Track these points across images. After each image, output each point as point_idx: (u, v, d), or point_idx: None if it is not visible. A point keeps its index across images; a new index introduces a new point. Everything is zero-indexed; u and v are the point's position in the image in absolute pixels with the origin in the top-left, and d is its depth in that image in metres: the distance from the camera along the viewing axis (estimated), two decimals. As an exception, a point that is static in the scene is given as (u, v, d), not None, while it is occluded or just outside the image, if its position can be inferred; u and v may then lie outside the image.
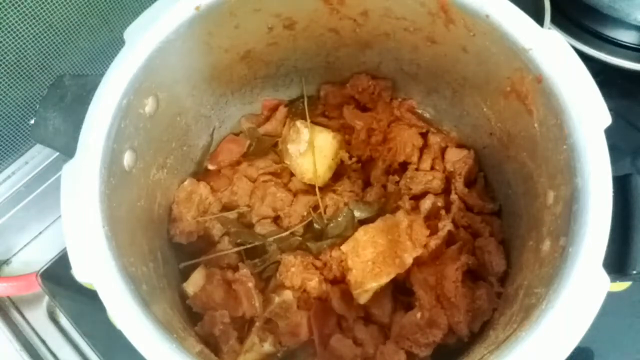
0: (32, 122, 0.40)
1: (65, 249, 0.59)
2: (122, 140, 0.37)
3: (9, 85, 0.52)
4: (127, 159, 0.38)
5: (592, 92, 0.34)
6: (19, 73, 0.52)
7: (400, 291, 0.46)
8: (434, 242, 0.45)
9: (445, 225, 0.45)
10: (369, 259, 0.44)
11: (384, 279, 0.44)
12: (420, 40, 0.43)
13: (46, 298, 0.58)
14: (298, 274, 0.45)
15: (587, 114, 0.34)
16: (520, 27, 0.36)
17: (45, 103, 0.40)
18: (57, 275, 0.57)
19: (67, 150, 0.36)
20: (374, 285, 0.44)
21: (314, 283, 0.45)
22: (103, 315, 0.56)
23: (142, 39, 0.37)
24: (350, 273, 0.44)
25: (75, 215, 0.33)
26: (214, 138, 0.52)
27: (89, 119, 0.35)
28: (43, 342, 0.57)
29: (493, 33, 0.37)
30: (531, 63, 0.36)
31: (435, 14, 0.39)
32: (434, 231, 0.45)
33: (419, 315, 0.42)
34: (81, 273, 0.32)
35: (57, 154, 0.60)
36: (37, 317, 0.58)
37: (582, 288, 0.31)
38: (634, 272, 0.33)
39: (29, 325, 0.57)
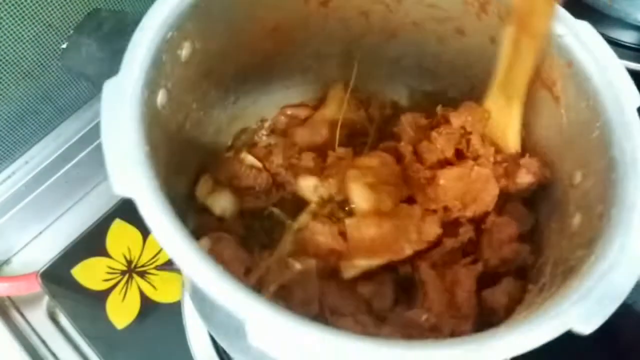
0: (64, 46, 0.39)
1: (65, 248, 0.59)
2: (161, 73, 0.36)
3: (8, 85, 0.52)
4: (161, 96, 0.37)
5: (622, 74, 0.36)
6: (18, 73, 0.52)
7: (402, 287, 0.44)
8: (450, 243, 0.43)
9: (467, 232, 0.44)
10: (369, 237, 0.43)
11: (376, 261, 0.42)
12: (448, 31, 0.43)
13: (46, 298, 0.58)
14: (326, 243, 0.43)
15: (618, 94, 0.35)
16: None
17: (80, 29, 0.39)
18: (57, 275, 0.57)
19: (98, 78, 0.35)
20: (363, 263, 0.42)
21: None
22: (103, 315, 0.56)
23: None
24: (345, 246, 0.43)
25: (117, 129, 0.32)
26: (227, 114, 0.51)
27: (136, 40, 0.35)
28: (43, 342, 0.56)
29: None
30: (562, 49, 0.37)
31: (469, 3, 0.40)
32: (453, 234, 0.44)
33: (424, 317, 0.41)
34: (120, 187, 0.31)
35: (57, 153, 0.60)
36: (37, 317, 0.58)
37: (632, 242, 0.31)
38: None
39: (29, 325, 0.57)
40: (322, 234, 0.43)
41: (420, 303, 0.41)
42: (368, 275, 0.43)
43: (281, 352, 0.27)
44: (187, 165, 0.48)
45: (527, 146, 0.44)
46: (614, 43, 0.61)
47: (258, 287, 0.42)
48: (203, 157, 0.51)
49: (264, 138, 0.54)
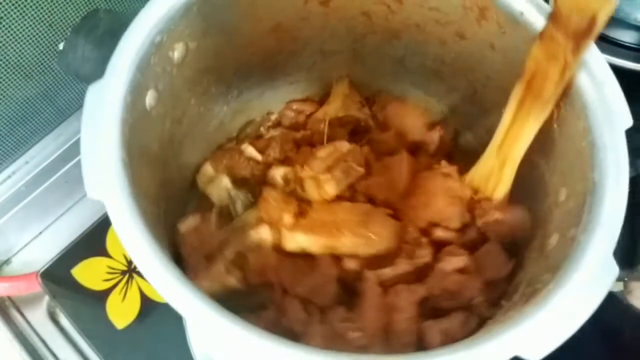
0: (61, 47, 0.40)
1: (65, 248, 0.59)
2: (148, 76, 0.36)
3: (8, 85, 0.52)
4: (150, 97, 0.38)
5: (616, 93, 0.35)
6: (19, 73, 0.52)
7: (347, 290, 0.43)
8: (404, 265, 0.42)
9: (424, 256, 0.42)
10: (321, 220, 0.43)
11: (312, 244, 0.42)
12: (449, 34, 0.43)
13: (46, 298, 0.58)
14: (277, 208, 0.43)
15: (610, 114, 0.34)
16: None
17: (77, 31, 0.39)
18: (57, 275, 0.57)
19: (92, 79, 0.35)
20: (302, 239, 0.42)
21: (289, 219, 0.43)
22: (103, 315, 0.56)
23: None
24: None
25: (95, 134, 0.33)
26: (230, 107, 0.51)
27: (122, 45, 0.35)
28: (43, 342, 0.57)
29: (524, 31, 0.37)
30: None
31: (469, 8, 0.39)
32: (411, 255, 0.43)
33: (354, 335, 0.39)
34: (92, 190, 0.32)
35: (57, 154, 0.60)
36: (37, 317, 0.58)
37: (592, 273, 0.31)
38: (641, 266, 0.34)
39: (29, 325, 0.57)
40: (275, 200, 0.44)
41: (357, 318, 0.40)
42: (311, 265, 0.43)
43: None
44: (189, 155, 0.48)
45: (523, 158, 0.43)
46: (614, 43, 0.61)
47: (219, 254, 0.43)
48: (206, 148, 0.51)
49: (271, 131, 0.54)
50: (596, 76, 0.35)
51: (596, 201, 0.33)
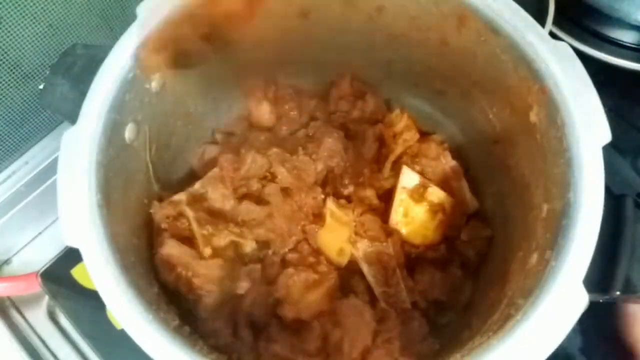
0: (41, 87, 0.40)
1: (65, 248, 0.59)
2: (125, 112, 0.37)
3: (8, 85, 0.52)
4: (129, 131, 0.38)
5: (595, 108, 0.34)
6: (19, 73, 0.52)
7: None
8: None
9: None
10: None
11: None
12: (432, 41, 0.43)
13: (46, 298, 0.58)
14: None
15: (588, 130, 0.33)
16: (530, 36, 0.36)
17: (55, 69, 0.40)
18: (57, 275, 0.57)
19: (73, 117, 0.36)
20: None
21: None
22: (103, 315, 0.56)
23: (154, 15, 0.37)
24: None
25: (70, 182, 0.33)
26: (222, 120, 0.52)
27: (93, 88, 0.35)
28: (43, 342, 0.57)
29: (504, 40, 0.37)
30: (538, 73, 0.36)
31: (448, 16, 0.39)
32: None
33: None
34: (69, 237, 0.33)
35: (57, 154, 0.60)
36: (37, 317, 0.58)
37: (560, 303, 0.31)
38: (617, 293, 0.33)
39: (29, 325, 0.57)
40: None
41: None
42: None
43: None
44: (180, 172, 0.49)
45: (510, 165, 0.44)
46: (614, 43, 0.61)
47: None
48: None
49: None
50: (574, 89, 0.35)
51: (569, 225, 0.32)
